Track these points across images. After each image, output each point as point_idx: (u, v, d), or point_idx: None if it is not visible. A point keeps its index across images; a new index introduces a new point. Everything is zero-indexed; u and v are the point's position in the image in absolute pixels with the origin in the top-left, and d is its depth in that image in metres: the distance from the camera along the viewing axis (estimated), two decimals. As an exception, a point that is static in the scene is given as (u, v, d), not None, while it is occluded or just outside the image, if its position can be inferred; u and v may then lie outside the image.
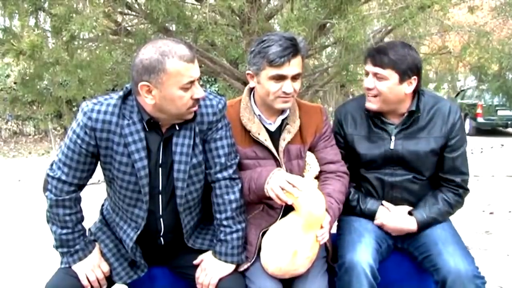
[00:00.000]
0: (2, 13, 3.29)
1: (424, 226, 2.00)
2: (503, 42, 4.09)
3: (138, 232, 1.79)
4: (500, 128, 12.88)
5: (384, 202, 2.08)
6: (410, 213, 2.04)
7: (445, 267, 1.82)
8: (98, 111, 1.68)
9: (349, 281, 1.80)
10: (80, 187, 1.79)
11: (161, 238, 1.85)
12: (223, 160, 1.81)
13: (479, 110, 12.28)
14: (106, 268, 1.81)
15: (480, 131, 12.36)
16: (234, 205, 1.81)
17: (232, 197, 1.81)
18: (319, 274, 1.83)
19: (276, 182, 1.76)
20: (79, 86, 3.82)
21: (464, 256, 1.85)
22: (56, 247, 1.80)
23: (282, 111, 1.96)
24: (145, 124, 1.71)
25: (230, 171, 1.82)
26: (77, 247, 1.78)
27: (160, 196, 1.78)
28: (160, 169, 1.76)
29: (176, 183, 1.76)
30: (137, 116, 1.70)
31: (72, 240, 1.77)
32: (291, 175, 1.82)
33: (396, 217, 2.03)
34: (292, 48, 1.81)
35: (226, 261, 1.78)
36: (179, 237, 1.86)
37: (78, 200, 1.79)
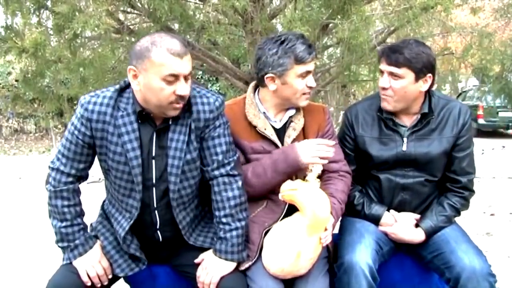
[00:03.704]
0: (4, 10, 3.30)
1: (431, 235, 2.00)
2: (505, 43, 4.10)
3: (131, 222, 1.80)
4: (501, 130, 12.87)
5: (391, 211, 2.07)
6: (416, 221, 2.04)
7: (459, 264, 1.82)
8: (95, 103, 1.74)
9: (348, 281, 1.80)
10: (79, 178, 1.82)
11: (158, 232, 1.85)
12: (220, 157, 1.81)
13: (480, 112, 12.29)
14: (106, 264, 1.81)
15: (481, 132, 12.35)
16: (232, 202, 1.80)
17: (230, 194, 1.80)
18: (321, 275, 1.82)
19: (310, 151, 1.85)
20: (81, 84, 3.82)
21: (478, 254, 1.85)
22: (57, 242, 1.81)
23: (288, 109, 1.99)
24: (137, 115, 1.75)
25: (228, 168, 1.82)
26: (77, 242, 1.78)
27: (154, 188, 1.80)
28: (154, 161, 1.78)
29: (169, 177, 1.77)
30: (132, 107, 1.75)
31: (71, 234, 1.78)
32: (316, 140, 1.90)
33: (403, 229, 2.02)
34: (311, 44, 1.90)
35: (226, 259, 1.78)
36: (178, 233, 1.85)
37: (76, 192, 1.81)
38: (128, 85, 1.78)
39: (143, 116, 1.75)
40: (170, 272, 1.96)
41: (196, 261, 1.82)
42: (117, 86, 1.79)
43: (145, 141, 1.76)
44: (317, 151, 1.85)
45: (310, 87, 1.92)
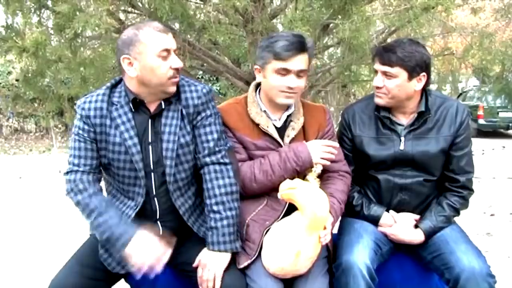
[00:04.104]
0: (5, 10, 3.29)
1: (431, 235, 2.00)
2: (505, 44, 4.09)
3: (137, 209, 1.82)
4: (502, 130, 12.87)
5: (390, 211, 2.08)
6: (416, 222, 2.04)
7: (459, 265, 1.82)
8: (90, 101, 1.84)
9: (346, 282, 1.81)
10: (93, 174, 1.82)
11: (158, 223, 1.86)
12: (211, 144, 1.86)
13: (480, 112, 12.29)
14: (160, 247, 1.70)
15: (482, 132, 12.35)
16: (223, 190, 1.83)
17: (221, 182, 1.83)
18: (320, 274, 1.83)
19: (319, 150, 1.90)
20: (82, 83, 3.82)
21: (477, 255, 1.86)
22: (100, 241, 1.76)
23: (287, 108, 2.00)
24: (131, 104, 1.82)
25: (219, 155, 1.86)
26: (116, 233, 1.70)
27: (152, 174, 1.83)
28: (150, 147, 1.83)
29: (165, 161, 1.81)
30: (125, 99, 1.83)
31: (103, 224, 1.72)
32: (322, 141, 1.95)
33: (402, 230, 2.02)
34: (298, 44, 1.86)
35: (219, 250, 1.78)
36: (177, 225, 1.87)
37: (92, 182, 1.80)
38: (118, 82, 1.88)
39: (137, 103, 1.83)
40: (170, 272, 1.96)
41: (194, 265, 1.82)
42: (108, 84, 1.88)
43: (140, 128, 1.83)
44: (324, 153, 1.90)
45: (290, 88, 1.88)
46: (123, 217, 1.77)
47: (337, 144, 1.97)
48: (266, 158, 1.93)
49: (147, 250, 1.70)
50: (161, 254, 1.71)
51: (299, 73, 1.88)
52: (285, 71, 1.87)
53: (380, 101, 2.02)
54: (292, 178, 1.86)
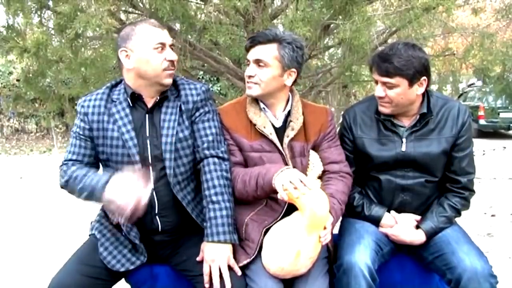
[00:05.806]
0: (6, 10, 3.29)
1: (432, 236, 2.00)
2: (506, 44, 4.08)
3: None
4: (502, 131, 12.86)
5: (391, 212, 2.08)
6: (417, 222, 2.04)
7: (461, 265, 1.82)
8: (89, 100, 1.93)
9: (347, 282, 1.81)
10: (85, 165, 1.89)
11: (157, 218, 1.87)
12: (210, 138, 1.91)
13: (481, 112, 12.27)
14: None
15: (482, 133, 12.34)
16: (222, 182, 1.85)
17: (219, 173, 1.87)
18: (320, 275, 1.83)
19: (286, 178, 1.75)
20: (83, 84, 3.82)
21: (479, 255, 1.86)
22: (89, 196, 1.76)
23: (285, 107, 2.01)
24: (129, 99, 1.88)
25: (218, 150, 1.91)
26: (93, 182, 1.76)
27: (150, 168, 1.85)
28: (148, 141, 1.87)
29: (164, 154, 1.85)
30: (123, 96, 1.90)
31: (84, 184, 1.77)
32: (301, 174, 1.79)
33: (403, 231, 2.02)
34: (256, 38, 1.95)
35: (219, 241, 1.78)
36: (176, 221, 1.89)
37: (87, 166, 1.87)
38: (119, 82, 1.96)
39: (135, 98, 1.89)
40: (170, 272, 1.97)
41: (198, 258, 1.82)
42: (108, 84, 1.97)
43: (138, 123, 1.88)
44: (289, 183, 1.74)
45: (249, 76, 1.95)
46: (102, 174, 1.81)
47: (311, 187, 1.76)
48: (251, 169, 1.91)
49: (127, 188, 1.68)
50: (142, 190, 1.70)
51: (257, 63, 1.94)
52: (248, 61, 1.98)
53: (384, 110, 2.02)
54: (264, 195, 1.85)
